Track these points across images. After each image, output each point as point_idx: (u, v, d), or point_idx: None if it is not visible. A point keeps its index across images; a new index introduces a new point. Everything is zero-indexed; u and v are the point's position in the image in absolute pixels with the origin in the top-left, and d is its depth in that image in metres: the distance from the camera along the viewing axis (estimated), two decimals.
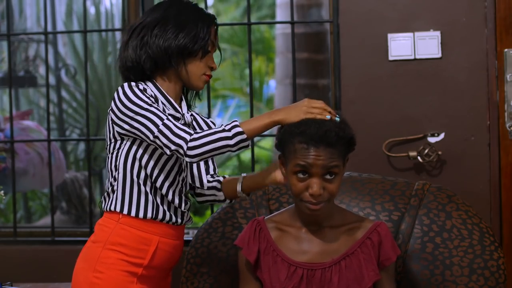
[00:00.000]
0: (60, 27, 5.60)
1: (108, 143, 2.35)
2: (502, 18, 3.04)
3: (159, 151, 2.30)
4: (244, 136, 2.19)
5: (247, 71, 8.09)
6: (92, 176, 3.66)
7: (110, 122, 2.32)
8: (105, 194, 2.37)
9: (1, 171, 4.35)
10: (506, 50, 3.04)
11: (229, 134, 2.19)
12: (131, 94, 2.25)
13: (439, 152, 3.08)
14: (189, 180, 2.45)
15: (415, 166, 3.12)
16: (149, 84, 2.35)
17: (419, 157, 3.08)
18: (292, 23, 3.33)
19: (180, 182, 2.37)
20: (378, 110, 3.14)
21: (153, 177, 2.31)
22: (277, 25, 6.66)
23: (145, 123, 2.22)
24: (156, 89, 2.35)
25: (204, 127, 2.48)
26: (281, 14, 6.58)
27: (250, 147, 2.26)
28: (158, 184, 2.32)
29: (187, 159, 2.19)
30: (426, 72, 3.10)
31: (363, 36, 3.14)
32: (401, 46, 3.10)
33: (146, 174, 2.31)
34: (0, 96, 5.70)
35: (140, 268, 2.31)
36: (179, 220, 2.37)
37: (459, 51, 3.08)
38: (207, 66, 2.38)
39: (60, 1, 5.72)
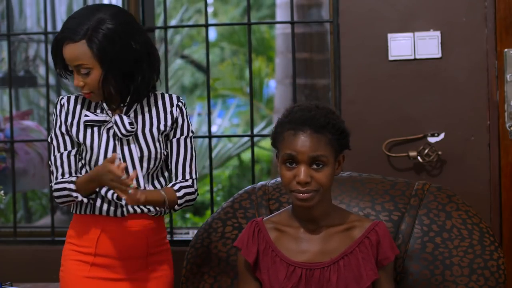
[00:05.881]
0: (60, 27, 5.59)
1: None
2: (502, 18, 3.04)
3: (80, 159, 2.46)
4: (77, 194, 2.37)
5: (247, 71, 8.09)
6: None
7: None
8: None
9: (1, 171, 4.35)
10: (506, 50, 3.04)
11: (73, 186, 2.37)
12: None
13: (439, 152, 3.08)
14: None
15: (415, 166, 3.12)
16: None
17: (419, 157, 3.08)
18: (292, 23, 3.33)
19: None
20: (378, 110, 3.14)
21: None
22: (277, 25, 6.67)
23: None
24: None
25: (149, 144, 2.45)
26: (281, 14, 6.58)
27: (85, 198, 2.40)
28: None
29: None
30: (426, 72, 3.10)
31: (363, 36, 3.14)
32: (401, 46, 3.10)
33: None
34: (0, 96, 5.69)
35: (90, 256, 2.43)
36: (119, 212, 2.43)
37: (459, 51, 3.08)
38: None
39: (60, 1, 5.72)
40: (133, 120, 2.43)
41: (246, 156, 7.39)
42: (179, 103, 2.48)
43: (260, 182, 2.74)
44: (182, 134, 2.47)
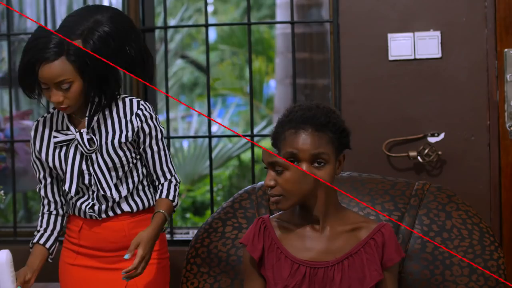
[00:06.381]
0: None
1: None
2: (502, 18, 3.04)
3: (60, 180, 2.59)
4: None
5: (247, 71, 8.09)
6: None
7: None
8: None
9: (1, 171, 4.35)
10: (506, 50, 3.04)
11: (31, 245, 2.63)
12: None
13: (439, 152, 3.08)
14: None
15: (415, 166, 3.12)
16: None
17: (419, 157, 3.08)
18: (292, 23, 3.33)
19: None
20: (378, 110, 3.14)
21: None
22: (277, 25, 6.67)
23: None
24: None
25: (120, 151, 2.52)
26: (281, 14, 6.59)
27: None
28: (68, 197, 2.60)
29: None
30: (426, 72, 3.10)
31: (363, 36, 3.14)
32: (401, 46, 3.11)
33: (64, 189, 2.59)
34: (0, 96, 5.69)
35: (76, 246, 2.59)
36: (99, 216, 2.54)
37: (459, 51, 3.08)
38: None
39: (60, 1, 5.71)
40: (93, 136, 2.49)
41: (246, 156, 7.38)
42: (138, 111, 2.51)
43: (260, 182, 2.74)
44: (151, 138, 2.54)
